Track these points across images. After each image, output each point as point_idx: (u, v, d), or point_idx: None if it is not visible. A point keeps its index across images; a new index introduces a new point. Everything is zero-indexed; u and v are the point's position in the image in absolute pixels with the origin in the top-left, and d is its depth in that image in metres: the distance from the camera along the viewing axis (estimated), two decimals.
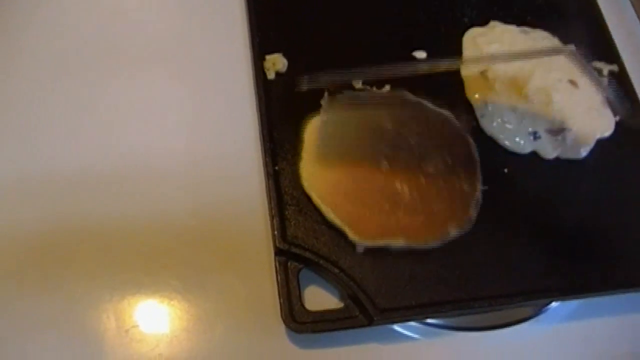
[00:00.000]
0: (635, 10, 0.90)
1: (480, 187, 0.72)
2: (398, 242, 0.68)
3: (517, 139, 0.76)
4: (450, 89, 0.80)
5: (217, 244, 0.72)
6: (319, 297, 0.69)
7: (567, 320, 0.73)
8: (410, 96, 0.76)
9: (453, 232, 0.69)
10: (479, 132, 0.77)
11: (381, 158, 0.72)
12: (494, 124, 0.77)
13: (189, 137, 0.77)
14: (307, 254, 0.68)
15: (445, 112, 0.76)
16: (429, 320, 0.70)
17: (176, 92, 0.80)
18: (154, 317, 0.68)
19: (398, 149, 0.72)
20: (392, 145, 0.73)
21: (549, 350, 0.71)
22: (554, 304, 0.72)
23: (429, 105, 0.76)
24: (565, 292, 0.70)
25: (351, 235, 0.68)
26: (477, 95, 0.78)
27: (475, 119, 0.78)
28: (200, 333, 0.68)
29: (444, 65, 0.78)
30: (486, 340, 0.71)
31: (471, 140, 0.74)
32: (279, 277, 0.67)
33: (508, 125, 0.76)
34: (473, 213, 0.71)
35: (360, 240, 0.67)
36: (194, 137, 0.77)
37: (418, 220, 0.69)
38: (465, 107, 0.79)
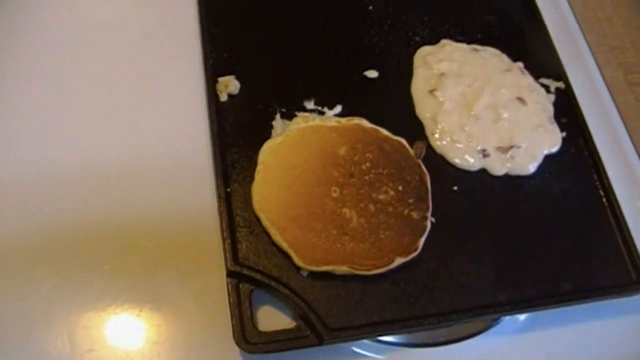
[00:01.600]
0: (581, 29, 0.92)
1: (429, 216, 0.73)
2: (342, 269, 0.69)
3: (467, 157, 0.78)
4: (401, 108, 0.81)
5: (172, 264, 0.72)
6: (274, 317, 0.70)
7: (520, 332, 0.74)
8: (365, 123, 0.77)
9: (398, 261, 0.70)
10: (429, 150, 0.78)
11: (332, 184, 0.72)
12: (444, 142, 0.78)
13: (142, 158, 0.77)
14: (258, 276, 0.69)
15: (400, 139, 0.77)
16: (384, 338, 0.71)
17: (130, 113, 0.80)
18: (110, 340, 0.68)
19: (350, 176, 0.73)
20: (344, 171, 0.73)
21: None
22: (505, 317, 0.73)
23: (384, 132, 0.77)
24: (515, 306, 0.72)
25: (295, 259, 0.68)
26: (427, 114, 0.79)
27: (426, 138, 0.79)
28: (154, 356, 0.68)
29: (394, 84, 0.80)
30: (440, 355, 0.72)
31: (424, 169, 0.75)
32: (230, 299, 0.68)
33: (458, 144, 0.78)
34: (420, 243, 0.71)
35: (304, 265, 0.68)
36: (147, 158, 0.78)
37: (364, 248, 0.70)
38: (416, 127, 0.80)
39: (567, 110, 0.84)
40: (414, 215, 0.72)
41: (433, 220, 0.73)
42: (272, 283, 0.69)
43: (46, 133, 0.78)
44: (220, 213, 0.71)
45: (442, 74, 0.81)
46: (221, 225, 0.71)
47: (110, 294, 0.70)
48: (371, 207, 0.72)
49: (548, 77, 0.86)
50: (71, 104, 0.80)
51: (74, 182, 0.75)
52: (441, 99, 0.80)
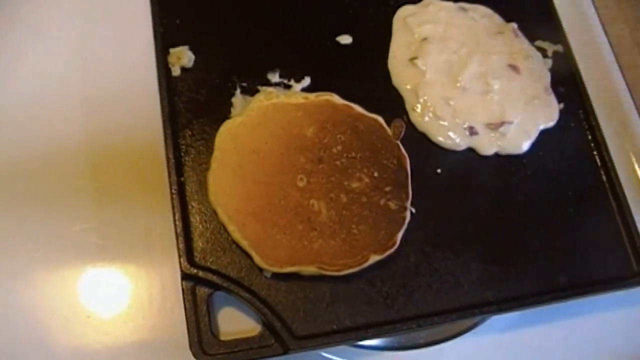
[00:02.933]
0: None
1: (409, 205, 0.65)
2: (309, 270, 0.61)
3: (452, 135, 0.69)
4: (378, 80, 0.72)
5: (125, 262, 0.66)
6: (237, 321, 0.64)
7: (509, 329, 0.69)
8: (336, 98, 0.68)
9: (373, 258, 0.62)
10: (409, 128, 0.69)
11: (298, 171, 0.64)
12: (426, 118, 0.69)
13: (90, 139, 0.70)
14: (215, 278, 0.61)
15: (376, 117, 0.67)
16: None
17: (77, 89, 0.72)
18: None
19: (318, 161, 0.64)
20: (312, 156, 0.65)
21: None
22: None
23: (358, 108, 0.67)
24: (504, 305, 0.65)
25: (257, 260, 0.61)
26: (407, 86, 0.70)
27: (406, 115, 0.70)
28: None
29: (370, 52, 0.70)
30: (423, 357, 0.66)
31: (403, 151, 0.66)
32: (186, 304, 0.61)
33: (442, 121, 0.69)
34: (398, 238, 0.63)
35: (267, 266, 0.61)
36: (94, 142, 0.70)
37: (334, 245, 0.62)
38: (394, 101, 0.71)
39: (565, 78, 0.75)
40: (392, 205, 0.64)
41: (413, 210, 0.65)
42: (231, 286, 0.62)
43: None
44: (172, 207, 0.63)
45: (425, 39, 0.72)
46: (174, 221, 0.63)
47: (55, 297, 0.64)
48: (343, 197, 0.64)
49: (545, 39, 0.76)
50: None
51: None
52: (423, 68, 0.70)
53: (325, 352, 0.64)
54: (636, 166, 0.75)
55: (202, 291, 0.61)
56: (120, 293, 0.65)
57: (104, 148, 0.69)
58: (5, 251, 0.65)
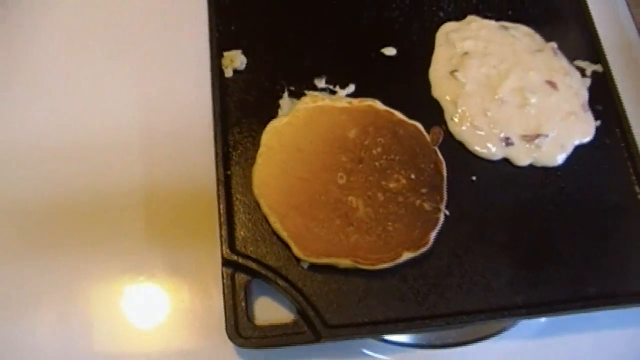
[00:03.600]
0: (628, 3, 0.84)
1: (443, 208, 0.67)
2: (344, 263, 0.64)
3: (488, 145, 0.71)
4: (419, 90, 0.75)
5: (166, 247, 0.69)
6: (274, 309, 0.66)
7: (538, 336, 0.69)
8: (379, 104, 0.71)
9: (406, 255, 0.65)
10: (447, 136, 0.72)
11: (339, 170, 0.67)
12: (464, 127, 0.72)
13: (143, 133, 0.74)
14: (255, 266, 0.65)
15: (415, 124, 0.71)
16: (388, 337, 0.66)
17: (134, 87, 0.77)
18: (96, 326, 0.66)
19: (358, 161, 0.68)
20: (353, 156, 0.68)
21: None
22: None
23: (398, 115, 0.71)
24: (533, 309, 0.66)
25: (295, 250, 0.64)
26: (447, 97, 0.73)
27: (445, 123, 0.73)
28: (143, 344, 0.65)
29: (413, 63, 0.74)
30: (449, 358, 0.67)
31: (440, 156, 0.69)
32: (225, 289, 0.64)
33: (479, 131, 0.71)
34: (431, 237, 0.66)
35: (305, 256, 0.64)
36: (148, 134, 0.74)
37: (369, 240, 0.64)
38: (434, 110, 0.74)
39: (603, 97, 0.76)
40: (426, 206, 0.67)
41: (447, 212, 0.68)
42: (269, 274, 0.65)
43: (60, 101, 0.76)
44: (218, 197, 0.67)
45: (466, 53, 0.75)
46: (219, 210, 0.67)
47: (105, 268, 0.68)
48: (380, 196, 0.67)
49: (584, 59, 0.79)
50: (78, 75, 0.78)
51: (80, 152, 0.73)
52: (463, 81, 0.73)
53: (357, 345, 0.66)
54: None
55: (241, 277, 0.65)
56: (161, 277, 0.69)
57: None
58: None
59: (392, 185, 0.67)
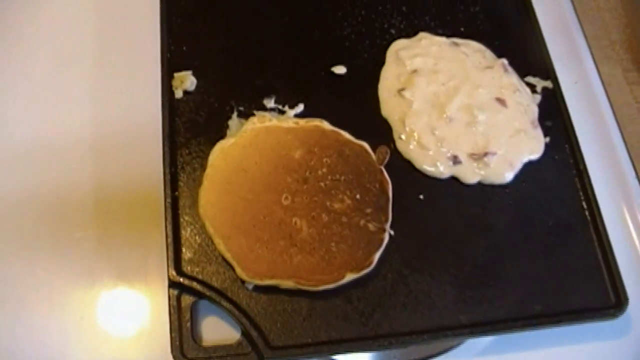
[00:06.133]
0: (579, 21, 0.84)
1: (387, 228, 0.68)
2: (287, 284, 0.64)
3: (436, 163, 0.72)
4: (368, 109, 0.75)
5: (113, 267, 0.70)
6: (221, 329, 0.67)
7: (484, 354, 0.69)
8: (326, 124, 0.71)
9: (349, 276, 0.65)
10: (395, 155, 0.72)
11: (283, 190, 0.68)
12: (411, 146, 0.72)
13: (96, 153, 0.75)
14: (200, 287, 0.65)
15: (362, 143, 0.71)
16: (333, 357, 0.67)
17: (87, 104, 0.78)
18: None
19: (303, 182, 0.68)
20: (298, 176, 0.68)
21: None
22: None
23: (345, 135, 0.71)
24: (477, 328, 0.66)
25: (239, 272, 0.64)
26: (395, 116, 0.74)
27: (393, 142, 0.73)
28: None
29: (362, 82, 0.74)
30: None
31: (386, 176, 0.69)
32: (171, 310, 0.65)
33: (426, 149, 0.72)
34: (375, 258, 0.66)
35: (248, 278, 0.64)
36: (101, 155, 0.76)
37: (312, 261, 0.65)
38: (382, 129, 0.74)
39: (553, 113, 0.77)
40: (371, 226, 0.67)
41: (392, 232, 0.68)
42: (214, 295, 0.66)
43: None
44: (165, 219, 0.68)
45: (414, 71, 0.75)
46: (166, 232, 0.67)
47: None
48: (324, 216, 0.67)
49: (535, 75, 0.79)
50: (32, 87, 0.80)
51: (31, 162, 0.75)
52: (410, 99, 0.73)
53: None
54: (622, 201, 0.75)
55: (186, 298, 0.65)
56: (109, 297, 0.69)
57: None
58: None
59: (336, 205, 0.67)
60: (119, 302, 0.69)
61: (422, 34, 0.79)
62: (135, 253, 0.71)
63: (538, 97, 0.77)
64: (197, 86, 0.75)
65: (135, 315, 0.69)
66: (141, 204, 0.73)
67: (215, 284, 0.66)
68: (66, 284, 0.70)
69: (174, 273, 0.66)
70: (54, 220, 0.72)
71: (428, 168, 0.72)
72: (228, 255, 0.65)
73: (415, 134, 0.72)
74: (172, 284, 0.65)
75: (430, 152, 0.72)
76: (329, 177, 0.69)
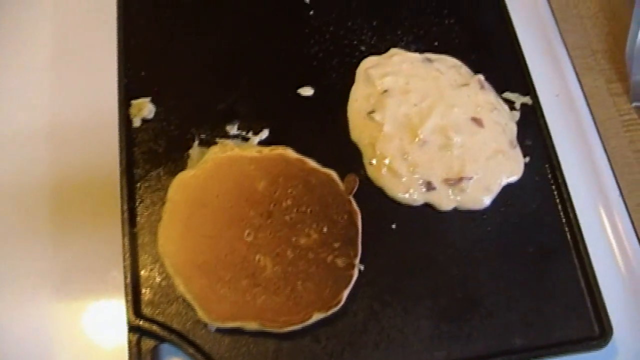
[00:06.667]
0: (559, 30, 0.80)
1: (357, 263, 0.64)
2: (252, 326, 0.61)
3: (409, 190, 0.68)
4: (336, 133, 0.71)
5: (72, 312, 0.67)
6: None
7: None
8: (290, 152, 0.68)
9: (317, 316, 0.62)
10: (366, 182, 0.69)
11: (246, 226, 0.64)
12: (382, 172, 0.68)
13: (51, 182, 0.72)
14: (159, 331, 0.62)
15: (329, 172, 0.67)
16: None
17: (48, 137, 0.74)
18: None
19: (267, 216, 0.64)
20: (262, 210, 0.64)
21: None
22: None
23: (311, 163, 0.67)
24: None
25: (201, 314, 0.61)
26: (365, 140, 0.70)
27: (363, 168, 0.69)
28: None
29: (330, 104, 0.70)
30: None
31: (354, 206, 0.66)
32: (131, 356, 0.61)
33: (398, 175, 0.68)
34: (343, 296, 0.62)
35: (210, 320, 0.61)
36: (55, 187, 0.71)
37: (277, 301, 0.61)
38: (352, 155, 0.70)
39: (533, 131, 0.73)
40: (339, 262, 0.64)
41: (362, 267, 0.65)
42: (175, 339, 0.62)
43: None
44: (124, 258, 0.64)
45: (385, 91, 0.71)
46: (124, 271, 0.64)
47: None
48: (289, 253, 0.63)
49: (513, 90, 0.75)
50: None
51: None
52: (381, 122, 0.70)
53: None
54: (606, 224, 0.72)
55: (147, 343, 0.62)
56: (68, 344, 0.66)
57: (66, 186, 0.71)
58: None
59: (302, 240, 0.64)
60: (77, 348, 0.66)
61: (393, 50, 0.76)
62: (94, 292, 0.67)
63: (517, 115, 0.74)
64: (155, 113, 0.71)
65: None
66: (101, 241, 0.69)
67: (176, 326, 0.63)
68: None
69: (133, 316, 0.62)
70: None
71: (400, 195, 0.68)
72: (189, 297, 0.62)
73: (387, 160, 0.68)
74: (132, 328, 0.62)
75: (403, 179, 0.68)
76: (294, 210, 0.65)
